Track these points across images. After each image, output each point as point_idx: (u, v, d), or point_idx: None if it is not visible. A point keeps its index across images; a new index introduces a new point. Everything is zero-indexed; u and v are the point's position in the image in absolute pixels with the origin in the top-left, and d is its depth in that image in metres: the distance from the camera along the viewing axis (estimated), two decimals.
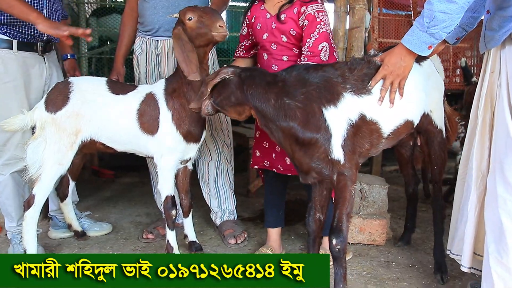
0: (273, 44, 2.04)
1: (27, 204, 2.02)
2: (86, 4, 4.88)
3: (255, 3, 2.15)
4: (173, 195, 2.11)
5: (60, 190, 2.40)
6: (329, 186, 1.76)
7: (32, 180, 2.01)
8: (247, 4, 2.28)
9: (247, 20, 2.17)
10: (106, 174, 4.32)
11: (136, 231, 2.68)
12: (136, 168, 4.58)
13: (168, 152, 2.04)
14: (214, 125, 2.54)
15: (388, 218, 2.53)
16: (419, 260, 2.28)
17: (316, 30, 1.95)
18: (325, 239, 2.09)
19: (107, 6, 5.27)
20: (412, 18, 5.34)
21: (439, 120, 1.98)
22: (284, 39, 2.03)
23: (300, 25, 1.99)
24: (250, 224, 2.84)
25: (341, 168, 1.63)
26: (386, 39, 4.64)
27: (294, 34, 2.01)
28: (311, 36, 1.95)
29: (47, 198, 2.16)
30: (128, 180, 4.24)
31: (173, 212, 2.10)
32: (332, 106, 1.62)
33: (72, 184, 2.44)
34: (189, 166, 2.24)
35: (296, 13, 1.99)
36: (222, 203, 2.62)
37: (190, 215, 2.32)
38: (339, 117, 1.63)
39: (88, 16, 4.98)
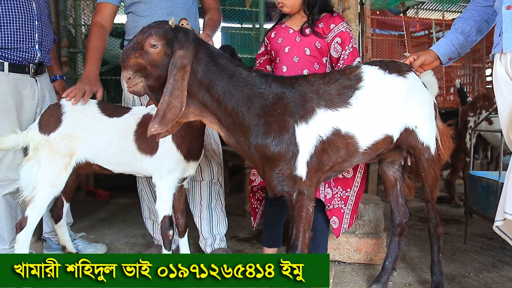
0: (295, 56, 2.05)
1: (19, 226, 1.99)
2: (83, 27, 4.93)
3: (277, 25, 2.17)
4: (171, 215, 2.10)
5: (54, 211, 2.38)
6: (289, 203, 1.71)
7: (25, 202, 1.99)
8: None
9: (266, 39, 2.19)
10: (101, 195, 4.30)
11: (132, 252, 2.65)
12: (132, 188, 4.54)
13: (167, 172, 2.03)
14: (206, 145, 2.53)
15: (384, 237, 2.51)
16: (416, 279, 2.25)
17: (350, 43, 2.03)
18: None
19: None
20: (405, 38, 5.44)
21: (425, 136, 1.89)
22: (308, 52, 2.04)
23: (328, 41, 2.03)
24: (246, 244, 2.83)
25: (302, 185, 1.64)
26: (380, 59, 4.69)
27: (319, 47, 2.03)
28: (346, 48, 2.02)
29: (41, 220, 2.14)
30: (124, 200, 4.21)
31: (170, 232, 2.08)
32: (304, 123, 1.64)
33: (66, 206, 2.42)
34: (185, 184, 2.24)
35: (322, 28, 2.03)
36: (213, 227, 2.56)
37: (186, 235, 2.30)
38: (309, 134, 1.64)
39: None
